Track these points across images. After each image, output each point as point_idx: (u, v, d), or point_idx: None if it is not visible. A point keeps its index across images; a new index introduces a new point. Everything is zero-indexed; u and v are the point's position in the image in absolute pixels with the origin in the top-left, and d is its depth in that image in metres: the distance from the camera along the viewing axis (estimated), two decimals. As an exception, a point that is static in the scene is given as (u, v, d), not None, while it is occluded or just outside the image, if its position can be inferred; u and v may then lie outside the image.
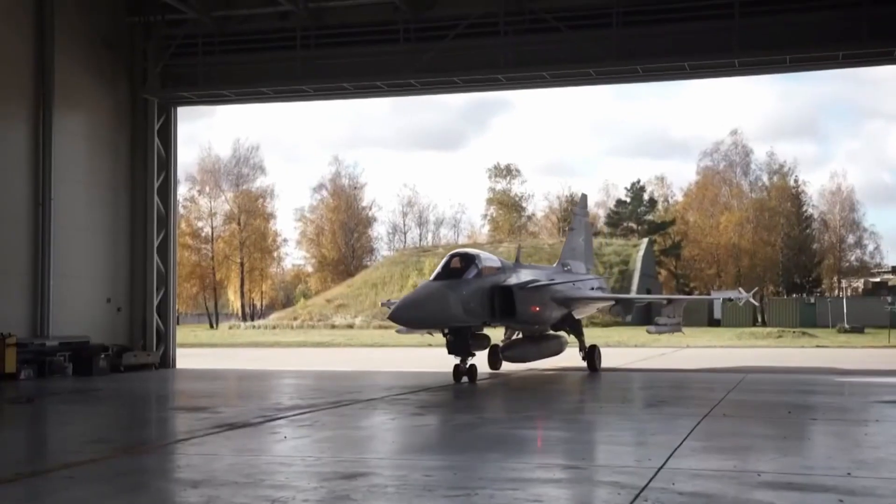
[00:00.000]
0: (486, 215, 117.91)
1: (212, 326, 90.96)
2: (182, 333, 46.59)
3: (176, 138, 32.93)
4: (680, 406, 18.97)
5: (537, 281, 26.77)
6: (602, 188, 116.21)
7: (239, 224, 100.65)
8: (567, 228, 34.39)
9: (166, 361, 31.86)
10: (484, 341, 26.69)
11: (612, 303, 31.46)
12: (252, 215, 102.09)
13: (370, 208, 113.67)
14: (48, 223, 27.92)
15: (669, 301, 31.09)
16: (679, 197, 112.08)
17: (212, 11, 29.53)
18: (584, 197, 36.85)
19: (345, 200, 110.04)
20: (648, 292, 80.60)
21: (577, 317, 29.47)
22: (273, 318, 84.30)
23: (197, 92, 31.59)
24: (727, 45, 26.87)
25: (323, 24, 29.76)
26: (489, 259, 25.33)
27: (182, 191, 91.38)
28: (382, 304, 39.38)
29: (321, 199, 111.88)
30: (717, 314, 78.11)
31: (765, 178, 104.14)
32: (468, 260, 24.25)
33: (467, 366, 24.01)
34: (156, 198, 31.87)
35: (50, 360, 27.11)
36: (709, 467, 11.29)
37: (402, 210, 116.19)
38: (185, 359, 34.78)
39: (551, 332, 29.07)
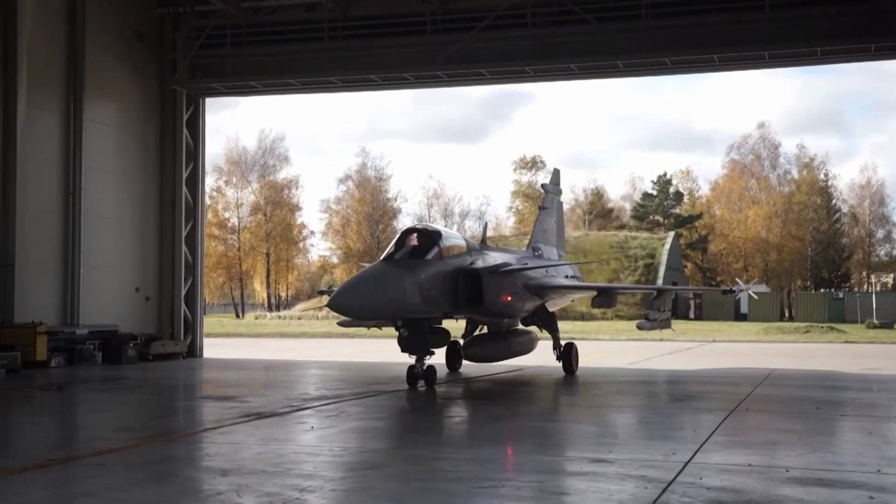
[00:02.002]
0: (511, 207, 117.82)
1: (238, 316, 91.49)
2: (209, 323, 46.90)
3: (204, 129, 33.13)
4: (706, 401, 18.89)
5: (508, 265, 23.15)
6: (628, 181, 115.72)
7: (265, 215, 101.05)
8: (539, 208, 29.95)
9: (194, 351, 32.09)
10: (442, 337, 22.71)
11: (594, 293, 26.69)
12: (278, 206, 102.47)
13: (395, 200, 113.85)
14: (78, 213, 28.20)
15: (659, 293, 26.89)
16: (705, 190, 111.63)
17: (240, 3, 29.61)
18: (557, 172, 32.20)
19: (370, 192, 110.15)
20: (675, 286, 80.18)
21: (550, 309, 26.00)
22: (298, 308, 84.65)
23: (225, 83, 31.69)
24: (757, 37, 26.60)
25: (350, 15, 29.79)
26: (453, 237, 21.76)
27: (209, 181, 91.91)
28: (321, 293, 33.59)
29: (347, 190, 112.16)
30: (744, 308, 77.76)
31: (794, 172, 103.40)
32: (428, 237, 20.55)
33: (424, 367, 20.41)
34: (184, 188, 32.08)
35: (80, 349, 27.41)
36: (736, 462, 11.25)
37: (427, 202, 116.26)
38: (212, 348, 35.02)
39: (521, 326, 25.56)
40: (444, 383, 22.27)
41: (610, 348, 38.87)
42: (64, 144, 28.23)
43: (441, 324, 22.19)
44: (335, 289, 22.29)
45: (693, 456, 11.48)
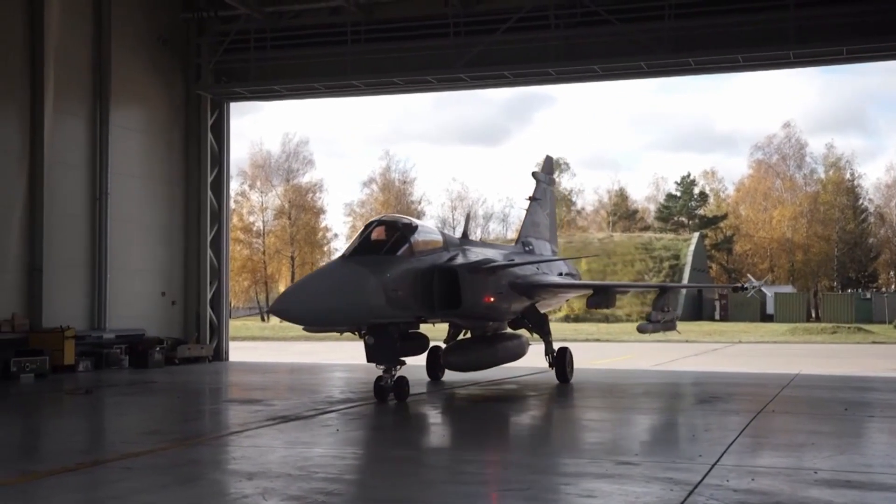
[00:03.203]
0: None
1: (263, 320, 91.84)
2: (234, 327, 47.17)
3: (228, 134, 33.25)
4: (732, 402, 18.77)
5: (492, 262, 20.81)
6: (651, 182, 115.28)
7: (289, 218, 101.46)
8: (528, 198, 27.17)
9: (219, 354, 32.23)
10: (418, 343, 20.19)
11: (589, 292, 24.14)
12: (302, 210, 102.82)
13: (420, 203, 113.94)
14: (105, 217, 28.41)
15: (663, 291, 24.15)
16: (729, 191, 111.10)
17: (264, 7, 29.76)
18: (550, 160, 29.69)
19: (394, 195, 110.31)
20: (699, 289, 79.66)
21: (541, 310, 23.72)
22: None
23: (249, 87, 31.83)
24: (782, 37, 26.40)
25: (373, 18, 29.84)
26: (427, 231, 19.47)
27: (233, 186, 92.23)
28: None
29: (371, 193, 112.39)
30: (770, 309, 77.28)
31: (820, 172, 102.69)
32: (397, 230, 18.17)
33: (394, 378, 18.09)
34: (209, 192, 32.25)
35: (107, 353, 27.61)
36: (763, 464, 11.19)
37: (451, 204, 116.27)
38: (238, 352, 35.17)
39: (509, 329, 23.24)
40: (428, 393, 20.54)
41: (634, 350, 38.74)
42: (90, 149, 28.46)
43: (419, 328, 19.91)
44: None
45: (720, 458, 11.41)
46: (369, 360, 18.03)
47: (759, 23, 26.80)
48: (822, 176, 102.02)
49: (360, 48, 29.98)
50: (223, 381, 25.91)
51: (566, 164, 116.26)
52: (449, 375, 23.04)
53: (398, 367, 18.19)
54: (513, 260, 22.44)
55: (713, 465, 10.89)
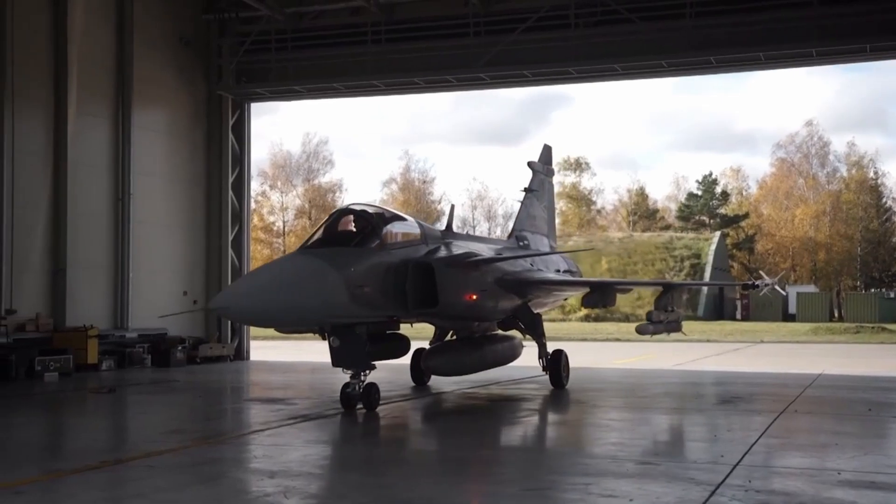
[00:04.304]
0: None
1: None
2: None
3: (249, 134, 33.41)
4: (754, 403, 18.67)
5: (474, 255, 18.99)
6: (672, 181, 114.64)
7: (310, 218, 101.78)
8: (523, 190, 25.65)
9: (241, 353, 32.37)
10: (397, 345, 18.28)
11: (585, 289, 22.36)
12: (322, 210, 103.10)
13: (440, 202, 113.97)
14: (127, 218, 28.60)
15: (667, 289, 22.20)
16: (751, 189, 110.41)
17: (284, 8, 29.88)
18: (548, 149, 27.69)
19: (414, 194, 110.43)
20: (721, 288, 79.13)
21: (535, 310, 21.78)
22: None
23: (270, 88, 31.98)
24: (805, 34, 26.26)
25: (393, 19, 29.93)
26: (402, 222, 17.75)
27: (254, 186, 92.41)
28: None
29: (391, 193, 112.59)
30: (792, 309, 76.80)
31: (842, 170, 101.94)
32: (366, 221, 16.59)
33: (363, 384, 16.39)
34: (230, 192, 32.39)
35: (129, 352, 27.81)
36: (786, 465, 11.13)
37: (471, 204, 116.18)
38: (259, 351, 35.30)
39: (499, 331, 21.60)
40: (414, 399, 19.42)
41: (654, 350, 38.58)
42: (113, 150, 28.65)
43: (398, 329, 18.14)
44: None
45: (742, 458, 11.36)
46: (335, 364, 16.37)
47: (781, 20, 26.65)
48: (845, 174, 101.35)
49: (380, 48, 30.04)
50: (244, 379, 26.01)
51: (586, 163, 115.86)
52: (436, 380, 21.96)
53: (367, 371, 16.54)
54: (501, 255, 20.89)
55: (735, 466, 10.85)
